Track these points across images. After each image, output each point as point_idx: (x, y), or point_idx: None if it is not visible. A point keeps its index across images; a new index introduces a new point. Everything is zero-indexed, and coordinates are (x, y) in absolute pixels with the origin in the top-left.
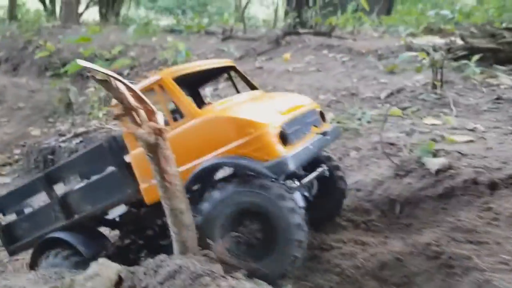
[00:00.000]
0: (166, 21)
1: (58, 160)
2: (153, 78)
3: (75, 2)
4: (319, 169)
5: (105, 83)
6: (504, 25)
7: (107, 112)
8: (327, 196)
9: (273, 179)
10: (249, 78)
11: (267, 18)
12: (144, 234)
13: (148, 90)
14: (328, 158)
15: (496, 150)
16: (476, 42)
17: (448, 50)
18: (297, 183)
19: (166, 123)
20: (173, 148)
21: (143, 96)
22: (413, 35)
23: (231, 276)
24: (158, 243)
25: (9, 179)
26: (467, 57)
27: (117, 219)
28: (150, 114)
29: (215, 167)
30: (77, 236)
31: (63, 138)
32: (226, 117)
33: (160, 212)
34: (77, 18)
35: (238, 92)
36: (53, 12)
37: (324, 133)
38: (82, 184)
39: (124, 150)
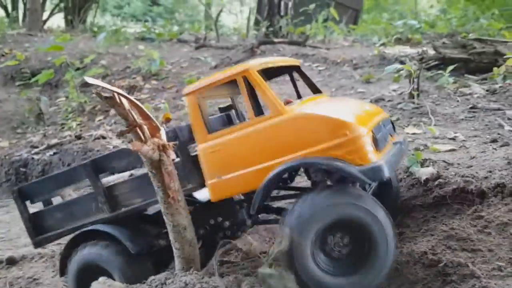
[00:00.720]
0: (133, 28)
1: (31, 173)
2: (237, 68)
3: (40, 9)
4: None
5: (110, 99)
6: (471, 35)
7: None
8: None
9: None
10: (312, 81)
11: (237, 26)
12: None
13: (229, 81)
14: None
15: (480, 159)
16: (448, 52)
17: (421, 60)
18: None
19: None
20: (252, 145)
21: (147, 112)
22: (383, 44)
23: None
24: (211, 242)
25: None
26: (439, 66)
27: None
28: (154, 130)
29: (303, 166)
30: (123, 231)
31: (36, 150)
32: (321, 116)
33: (214, 210)
34: (42, 25)
35: (299, 95)
36: (16, 19)
37: (401, 143)
38: (135, 174)
39: (188, 142)
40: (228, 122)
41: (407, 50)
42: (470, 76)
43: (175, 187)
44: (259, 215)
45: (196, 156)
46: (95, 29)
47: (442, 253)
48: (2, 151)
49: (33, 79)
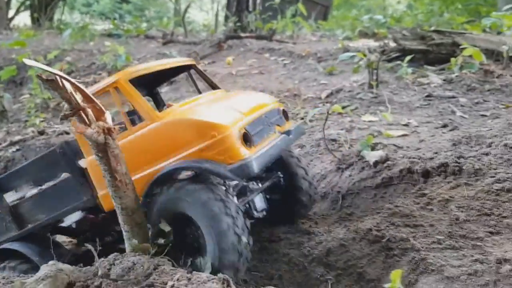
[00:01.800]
0: (102, 25)
1: None
2: (108, 80)
3: (5, 6)
4: (274, 176)
5: (51, 82)
6: (432, 28)
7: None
8: (291, 197)
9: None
10: (209, 76)
11: (207, 23)
12: (103, 241)
13: (104, 92)
14: (292, 158)
15: (428, 142)
16: (407, 44)
17: (382, 52)
18: (259, 185)
19: (124, 128)
20: (132, 153)
21: (90, 95)
22: (349, 38)
23: (181, 273)
24: (117, 249)
25: None
26: (400, 58)
27: (73, 226)
28: (99, 113)
29: (177, 171)
30: (32, 247)
31: None
32: (187, 120)
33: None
34: (8, 23)
35: (199, 91)
36: None
37: (287, 132)
38: (34, 192)
39: (77, 155)
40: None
41: (371, 43)
42: (429, 67)
43: (122, 170)
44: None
45: (84, 169)
46: (62, 26)
47: (386, 229)
48: None
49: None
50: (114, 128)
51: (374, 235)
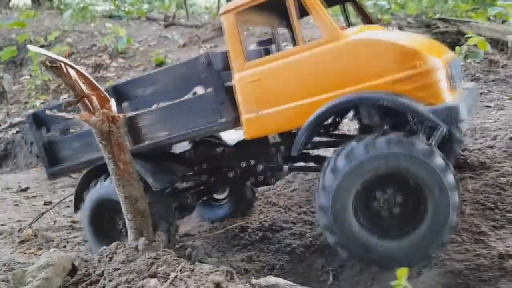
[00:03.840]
0: (103, 6)
1: None
2: None
3: None
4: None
5: (56, 69)
6: (437, 16)
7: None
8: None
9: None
10: (366, 10)
11: (209, 5)
12: (223, 176)
13: (274, 3)
14: None
15: None
16: (412, 32)
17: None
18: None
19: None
20: (300, 74)
21: (95, 83)
22: (353, 24)
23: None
24: (240, 188)
25: None
26: None
27: (187, 154)
28: (103, 101)
29: (359, 103)
30: (145, 166)
31: None
32: (383, 42)
33: (246, 152)
34: (7, 2)
35: (348, 22)
36: None
37: (472, 89)
38: (160, 105)
39: (222, 70)
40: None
41: None
42: None
43: (125, 158)
44: (295, 163)
45: (231, 87)
46: (62, 6)
47: None
48: None
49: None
50: (119, 117)
51: None
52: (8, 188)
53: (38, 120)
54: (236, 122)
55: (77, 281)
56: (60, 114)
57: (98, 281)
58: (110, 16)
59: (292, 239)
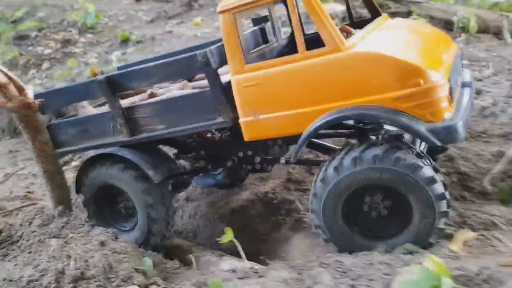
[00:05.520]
0: None
1: None
2: None
3: None
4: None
5: None
6: None
7: None
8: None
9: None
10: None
11: None
12: (221, 164)
13: (276, 1)
14: None
15: None
16: (364, 12)
17: (343, 19)
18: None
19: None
20: (300, 83)
21: (11, 74)
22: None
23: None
24: (237, 173)
25: None
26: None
27: (185, 140)
28: (20, 90)
29: (359, 118)
30: (143, 157)
31: None
32: (386, 58)
33: (244, 143)
34: None
35: (351, 18)
36: None
37: (468, 84)
38: (159, 98)
39: (220, 66)
40: (262, 38)
41: (337, 7)
42: None
43: (42, 139)
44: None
45: (228, 87)
46: None
47: (279, 192)
48: None
49: None
50: (34, 103)
51: (269, 197)
52: None
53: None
54: (234, 121)
55: (1, 241)
56: None
57: (18, 241)
58: None
59: (206, 207)
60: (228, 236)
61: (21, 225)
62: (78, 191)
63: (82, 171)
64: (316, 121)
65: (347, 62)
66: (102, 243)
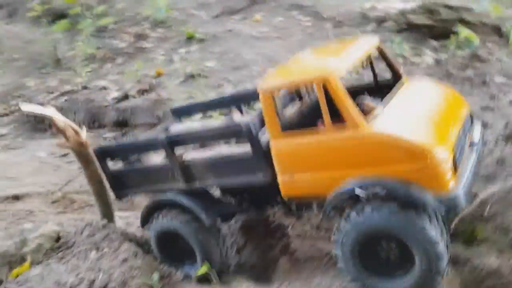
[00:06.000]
0: None
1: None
2: (315, 72)
3: None
4: None
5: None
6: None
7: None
8: None
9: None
10: (393, 61)
11: None
12: (263, 207)
13: (306, 84)
14: None
15: None
16: (414, 18)
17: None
18: None
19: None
20: (328, 152)
21: (68, 122)
22: None
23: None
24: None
25: (6, 130)
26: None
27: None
28: (76, 132)
29: (376, 186)
30: (197, 202)
31: (52, 95)
32: (400, 140)
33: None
34: None
35: (377, 84)
36: None
37: (477, 144)
38: (210, 155)
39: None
40: (298, 96)
41: (397, 5)
42: (432, 42)
43: (93, 168)
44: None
45: (267, 149)
46: None
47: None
48: (28, 91)
49: (56, 24)
50: (86, 142)
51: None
52: (52, 154)
53: (103, 153)
54: (272, 178)
55: (59, 246)
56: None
57: (71, 246)
58: None
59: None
60: (203, 269)
61: (75, 233)
62: (142, 226)
63: (146, 216)
64: (338, 189)
65: (365, 140)
66: (125, 260)
